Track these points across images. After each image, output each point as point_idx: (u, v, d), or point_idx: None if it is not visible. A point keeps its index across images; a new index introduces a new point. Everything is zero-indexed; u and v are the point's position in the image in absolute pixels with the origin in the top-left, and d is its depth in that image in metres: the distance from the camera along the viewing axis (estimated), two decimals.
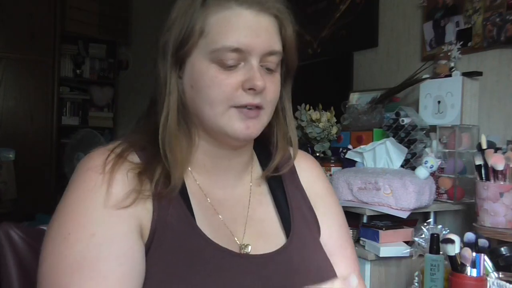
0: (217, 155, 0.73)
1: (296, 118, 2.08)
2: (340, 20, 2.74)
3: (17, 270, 0.70)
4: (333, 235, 0.82)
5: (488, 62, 1.89)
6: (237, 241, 0.71)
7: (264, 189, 0.80)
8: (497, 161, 1.44)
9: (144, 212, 0.64)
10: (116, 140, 0.70)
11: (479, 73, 1.86)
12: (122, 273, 0.59)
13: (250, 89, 0.66)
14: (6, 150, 3.37)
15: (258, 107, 0.68)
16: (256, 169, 0.81)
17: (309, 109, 2.13)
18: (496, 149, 1.50)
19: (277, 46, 0.69)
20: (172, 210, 0.66)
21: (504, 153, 1.48)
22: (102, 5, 4.08)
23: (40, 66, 3.65)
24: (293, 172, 0.83)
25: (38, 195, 3.49)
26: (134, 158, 0.68)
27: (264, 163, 0.81)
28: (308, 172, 0.85)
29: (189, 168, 0.73)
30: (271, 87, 0.69)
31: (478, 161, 1.50)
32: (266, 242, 0.73)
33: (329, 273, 0.74)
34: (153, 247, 0.63)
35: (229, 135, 0.68)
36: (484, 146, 1.49)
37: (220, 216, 0.72)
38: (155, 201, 0.65)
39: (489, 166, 1.46)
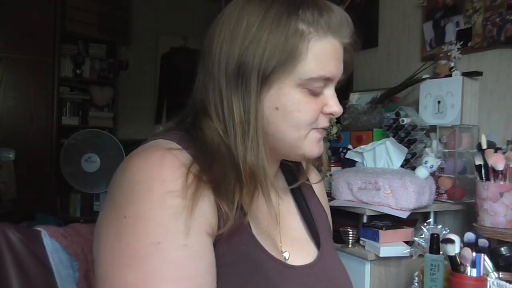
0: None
1: None
2: None
3: (16, 272, 0.69)
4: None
5: (488, 62, 1.89)
6: (281, 249, 0.73)
7: (289, 198, 0.82)
8: (497, 161, 1.44)
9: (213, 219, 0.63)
10: (172, 144, 0.64)
11: (479, 73, 1.86)
12: (212, 284, 0.60)
13: (328, 113, 0.70)
14: (6, 150, 3.37)
15: None
16: (281, 178, 0.83)
17: None
18: (496, 149, 1.49)
19: None
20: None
21: (504, 153, 1.48)
22: (102, 5, 4.08)
23: (40, 66, 3.64)
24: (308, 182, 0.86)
25: (38, 195, 3.49)
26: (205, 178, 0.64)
27: (285, 172, 0.83)
28: (319, 185, 0.88)
29: None
30: None
31: (478, 161, 1.50)
32: (300, 250, 0.75)
33: (350, 281, 0.79)
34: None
35: (305, 156, 0.71)
36: (484, 146, 1.48)
37: (261, 223, 0.71)
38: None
39: (489, 166, 1.46)
